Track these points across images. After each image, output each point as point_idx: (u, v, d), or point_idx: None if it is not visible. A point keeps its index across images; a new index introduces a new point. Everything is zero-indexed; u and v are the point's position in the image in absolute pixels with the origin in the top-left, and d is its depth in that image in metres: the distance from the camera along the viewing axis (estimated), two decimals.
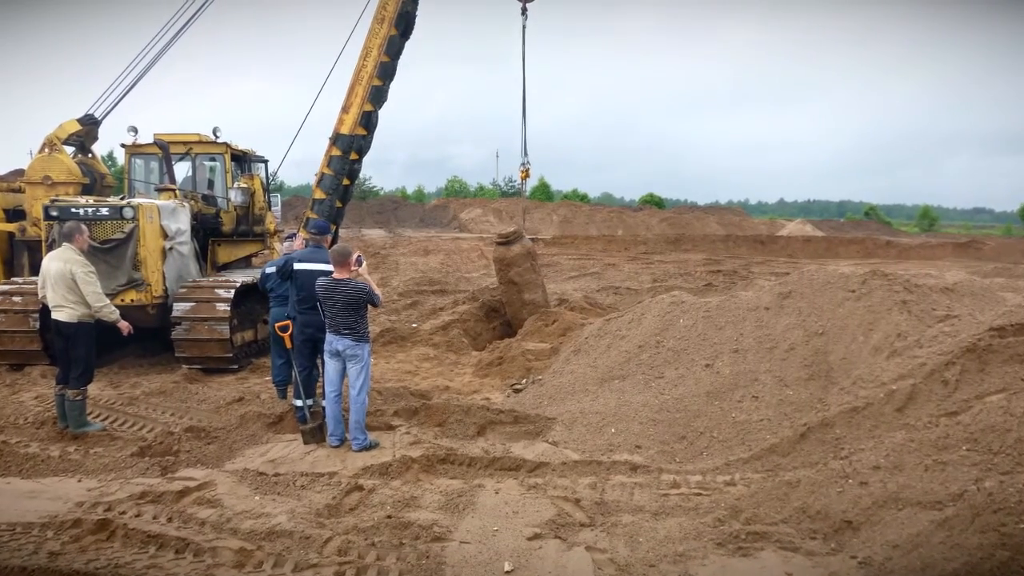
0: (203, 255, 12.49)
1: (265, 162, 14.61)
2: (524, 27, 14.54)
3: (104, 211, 10.46)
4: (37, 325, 10.45)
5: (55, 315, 7.73)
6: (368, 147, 13.83)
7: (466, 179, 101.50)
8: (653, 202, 74.67)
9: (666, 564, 4.55)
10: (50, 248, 9.73)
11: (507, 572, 4.52)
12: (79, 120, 13.00)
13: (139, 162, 13.43)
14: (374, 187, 79.96)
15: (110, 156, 49.01)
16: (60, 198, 11.02)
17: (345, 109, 13.38)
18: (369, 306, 7.11)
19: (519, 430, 7.51)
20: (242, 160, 14.05)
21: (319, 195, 13.56)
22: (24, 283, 11.10)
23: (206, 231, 12.66)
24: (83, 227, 8.00)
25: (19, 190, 12.95)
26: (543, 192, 77.19)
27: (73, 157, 12.88)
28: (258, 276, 9.79)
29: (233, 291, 10.87)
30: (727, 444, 6.70)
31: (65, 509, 5.43)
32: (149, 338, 11.54)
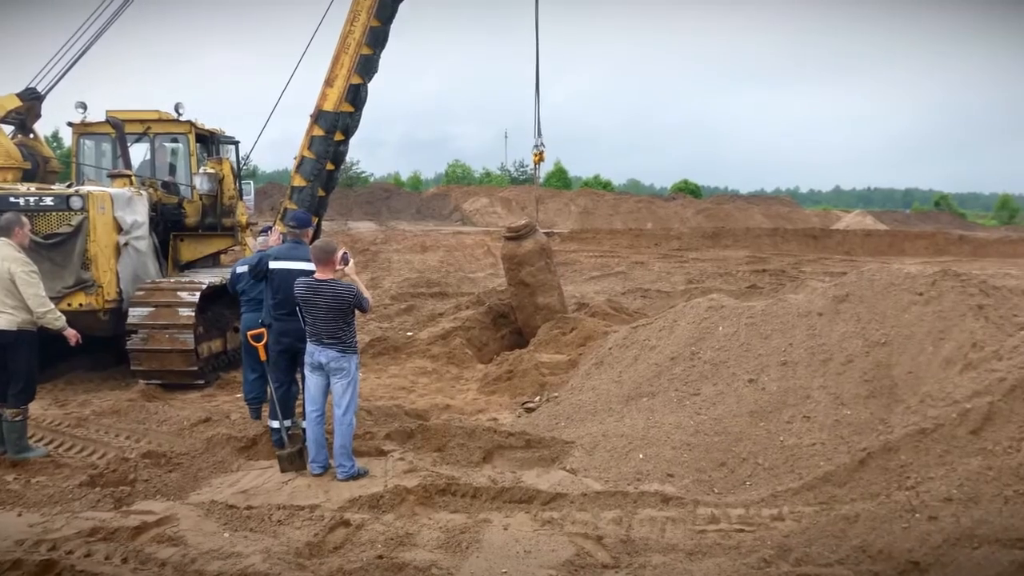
0: (163, 252, 12.56)
1: (236, 143, 14.68)
2: None
3: (48, 201, 10.53)
4: None
5: None
6: (356, 126, 13.87)
7: (470, 163, 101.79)
8: (688, 190, 74.57)
9: None
10: None
11: None
12: (18, 95, 13.05)
13: (89, 144, 13.51)
14: (363, 173, 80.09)
15: (55, 137, 49.37)
16: None
17: (329, 82, 13.43)
18: (357, 311, 7.14)
19: (532, 456, 7.53)
20: (209, 141, 14.11)
21: (299, 182, 13.61)
22: None
23: (167, 224, 12.72)
24: (23, 219, 8.05)
25: None
26: (560, 179, 77.18)
27: (12, 138, 12.93)
28: (227, 277, 9.84)
29: (198, 294, 10.93)
30: (774, 472, 6.69)
31: (3, 548, 5.47)
32: (101, 349, 11.61)
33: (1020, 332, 7.35)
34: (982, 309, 7.76)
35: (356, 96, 13.54)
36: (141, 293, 10.98)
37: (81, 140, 13.41)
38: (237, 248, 13.99)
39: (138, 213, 11.58)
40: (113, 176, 12.23)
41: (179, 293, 10.95)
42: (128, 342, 10.62)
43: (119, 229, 11.10)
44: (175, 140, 13.77)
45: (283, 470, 7.30)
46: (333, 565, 5.22)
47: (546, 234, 15.35)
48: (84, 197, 10.60)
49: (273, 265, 7.86)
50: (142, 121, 13.32)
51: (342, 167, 15.26)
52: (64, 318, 8.01)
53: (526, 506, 6.29)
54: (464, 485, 6.63)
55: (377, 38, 13.57)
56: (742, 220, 55.95)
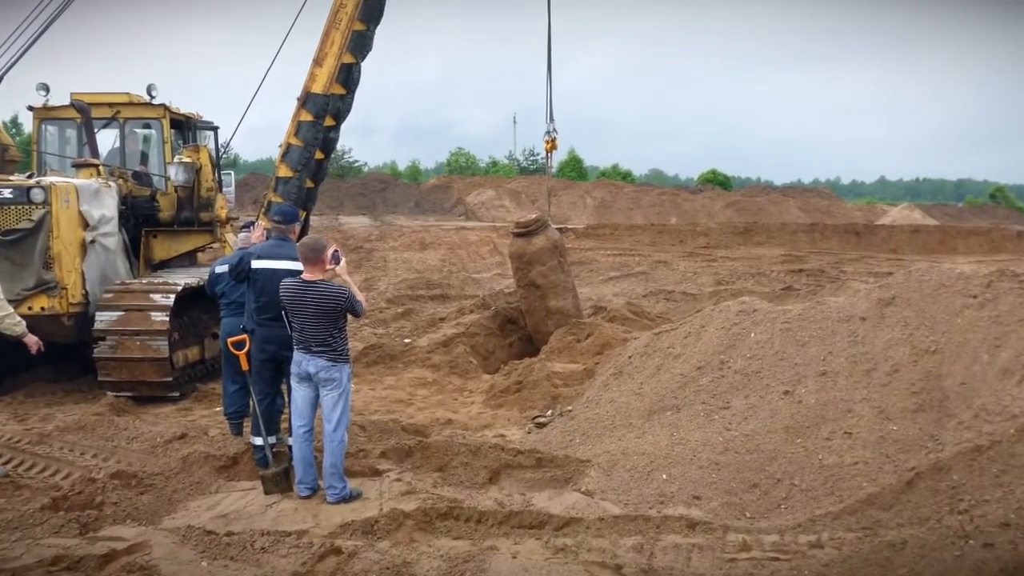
0: (134, 250, 12.59)
1: (215, 129, 14.71)
2: None
3: (6, 193, 10.57)
4: None
5: None
6: (348, 110, 13.90)
7: (474, 152, 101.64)
8: (716, 181, 74.45)
9: None
10: None
11: None
12: None
13: (52, 129, 13.57)
14: (355, 162, 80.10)
15: (14, 123, 49.46)
16: None
17: (318, 61, 13.46)
18: (349, 316, 7.16)
19: (543, 476, 7.54)
20: (185, 127, 14.15)
21: (284, 172, 13.63)
22: None
23: (138, 219, 12.75)
24: None
25: None
26: (574, 169, 77.17)
27: None
28: (205, 277, 9.86)
29: (173, 296, 10.96)
30: (812, 494, 6.69)
31: None
32: (65, 357, 11.65)
33: None
34: None
35: (348, 77, 13.56)
36: (109, 295, 11.02)
37: (43, 126, 13.45)
38: (216, 246, 14.03)
39: (106, 207, 11.62)
40: (78, 166, 12.26)
41: (152, 295, 10.98)
42: (95, 350, 10.66)
43: (85, 224, 11.13)
44: (147, 126, 13.81)
45: (267, 492, 7.32)
46: None
47: (559, 230, 15.36)
48: (46, 189, 10.63)
49: (256, 264, 7.88)
50: (111, 104, 13.35)
51: (332, 155, 15.27)
52: (24, 323, 8.05)
53: (537, 532, 6.29)
54: (468, 509, 6.64)
55: (372, 12, 13.58)
56: (776, 214, 55.82)
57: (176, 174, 12.90)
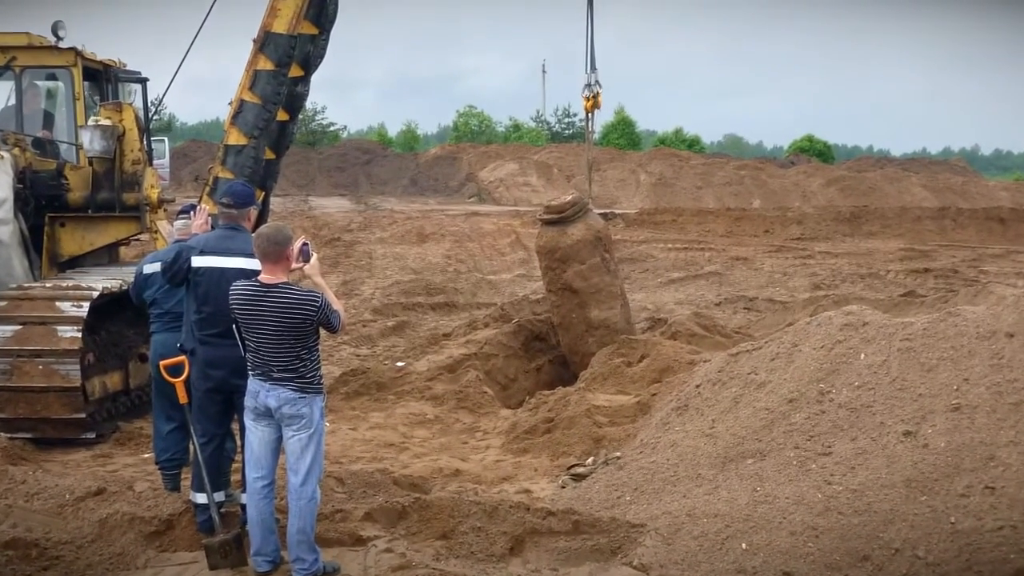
0: (35, 243, 12.64)
1: (143, 82, 14.75)
2: None
3: None
4: None
5: None
6: (321, 56, 13.86)
7: (490, 112, 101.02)
8: (813, 151, 74.33)
9: None
10: None
11: None
12: None
13: None
14: (331, 125, 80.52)
15: None
16: None
17: None
18: (322, 331, 7.18)
19: (582, 545, 7.54)
20: (103, 79, 14.19)
21: (236, 139, 13.60)
22: None
23: (40, 201, 12.79)
24: None
25: None
26: (624, 134, 77.21)
27: None
28: (130, 279, 9.90)
29: (87, 305, 11.00)
30: (942, 570, 6.68)
31: None
32: None
33: None
34: None
35: (321, 10, 13.43)
36: (2, 304, 11.07)
37: None
38: (144, 237, 14.08)
39: None
40: None
41: (58, 304, 11.02)
42: None
43: None
44: (52, 76, 13.86)
45: (212, 566, 7.36)
46: None
47: (603, 216, 15.39)
48: None
49: (198, 262, 7.88)
50: (3, 48, 13.38)
51: (300, 116, 15.30)
52: None
53: None
54: None
55: None
56: (893, 195, 55.58)
57: (91, 141, 12.86)
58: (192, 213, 9.44)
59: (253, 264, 7.36)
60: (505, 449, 10.98)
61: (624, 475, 8.90)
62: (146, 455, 10.30)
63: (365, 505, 8.27)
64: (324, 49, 13.87)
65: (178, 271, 7.99)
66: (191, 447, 8.19)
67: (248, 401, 7.19)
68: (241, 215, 8.20)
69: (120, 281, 11.69)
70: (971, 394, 8.04)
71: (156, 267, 8.87)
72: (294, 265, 7.21)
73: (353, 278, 24.69)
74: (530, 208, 42.21)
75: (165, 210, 13.82)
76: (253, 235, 7.49)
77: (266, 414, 7.12)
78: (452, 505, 8.06)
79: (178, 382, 8.08)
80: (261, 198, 13.21)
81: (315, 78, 14.04)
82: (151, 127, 14.39)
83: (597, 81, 15.54)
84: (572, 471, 9.70)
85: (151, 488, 9.17)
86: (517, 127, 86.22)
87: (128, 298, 10.20)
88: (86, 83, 13.67)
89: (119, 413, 11.90)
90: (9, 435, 10.83)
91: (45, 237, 12.96)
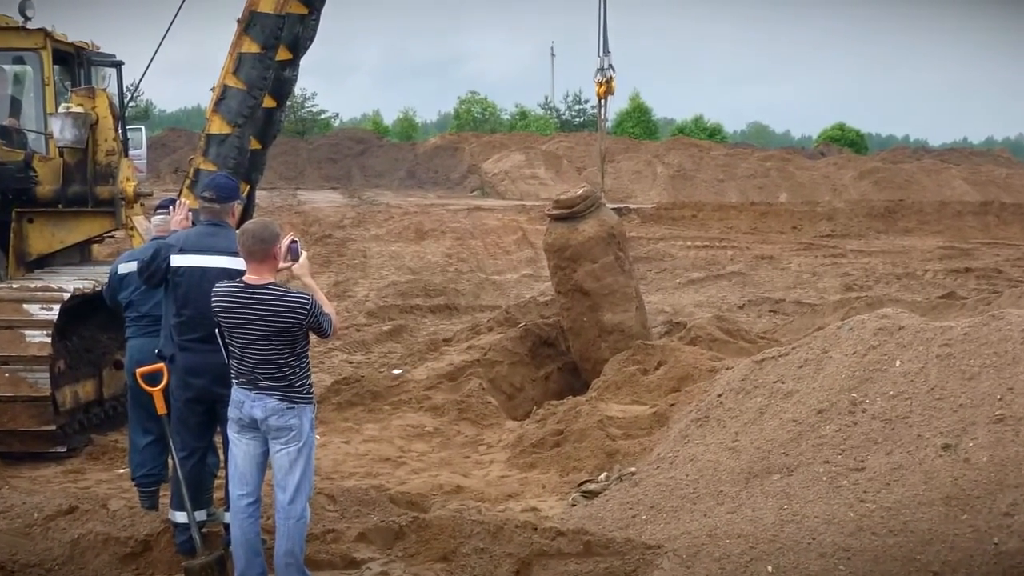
0: (2, 241, 12.65)
1: (118, 65, 14.76)
2: None
3: None
4: None
5: None
6: (311, 38, 13.88)
7: (494, 98, 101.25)
8: (845, 141, 74.35)
9: None
10: None
11: None
12: None
13: None
14: (322, 113, 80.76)
15: None
16: None
17: None
18: (312, 336, 7.16)
19: (594, 568, 7.53)
20: (75, 62, 14.21)
21: (219, 127, 13.62)
22: None
23: (7, 195, 12.81)
24: None
25: None
26: (639, 122, 77.34)
27: None
28: (104, 280, 9.90)
29: (58, 308, 11.00)
30: None
31: None
32: None
33: None
34: None
35: None
36: None
37: None
38: (119, 234, 14.09)
39: None
40: None
41: (26, 307, 11.03)
42: None
43: None
44: (19, 60, 13.88)
45: None
46: None
47: (617, 211, 15.38)
48: None
49: (178, 262, 7.87)
50: None
51: (289, 103, 15.30)
52: None
53: None
54: None
55: None
56: (931, 189, 55.61)
57: (62, 130, 12.88)
58: (171, 208, 9.42)
59: (237, 263, 7.34)
60: (510, 464, 10.96)
61: (640, 492, 8.87)
62: (121, 470, 10.30)
63: (359, 525, 8.26)
64: (314, 30, 13.86)
65: (156, 271, 7.97)
66: (170, 462, 8.18)
67: (232, 412, 7.17)
68: (224, 210, 8.19)
69: (93, 282, 11.67)
70: (1016, 404, 8.02)
71: (132, 267, 8.85)
72: (281, 264, 7.18)
73: (346, 278, 24.76)
74: (538, 203, 42.23)
75: (142, 205, 13.85)
76: (237, 232, 7.45)
77: (251, 426, 7.10)
78: (453, 525, 8.03)
79: (156, 391, 8.09)
80: (246, 192, 13.22)
81: (304, 62, 14.04)
82: (127, 115, 14.40)
83: (611, 65, 15.47)
84: (583, 488, 9.68)
85: (127, 506, 9.15)
86: (523, 115, 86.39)
87: (102, 300, 10.20)
88: (56, 67, 13.69)
89: (92, 425, 11.90)
90: None
91: (12, 234, 12.99)
